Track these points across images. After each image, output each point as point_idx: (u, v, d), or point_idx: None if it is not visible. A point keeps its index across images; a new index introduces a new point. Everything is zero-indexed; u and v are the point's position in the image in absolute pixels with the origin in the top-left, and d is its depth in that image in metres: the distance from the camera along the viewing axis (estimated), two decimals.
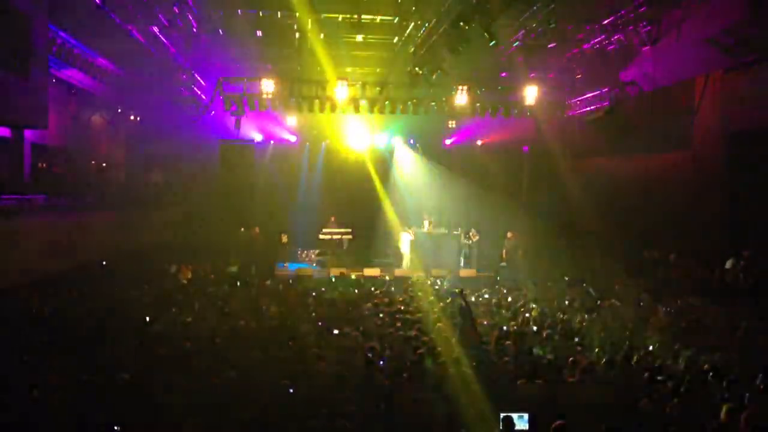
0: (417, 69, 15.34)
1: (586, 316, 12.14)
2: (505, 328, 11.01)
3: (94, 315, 11.09)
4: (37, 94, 12.06)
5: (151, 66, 16.31)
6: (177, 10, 13.83)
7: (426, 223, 20.65)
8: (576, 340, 10.38)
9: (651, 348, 9.94)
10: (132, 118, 20.22)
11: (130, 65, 17.17)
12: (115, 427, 6.47)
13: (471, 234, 20.19)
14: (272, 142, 22.23)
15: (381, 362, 8.72)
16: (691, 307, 12.63)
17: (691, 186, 16.58)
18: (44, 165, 16.68)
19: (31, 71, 11.81)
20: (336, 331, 10.47)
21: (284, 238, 20.37)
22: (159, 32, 14.50)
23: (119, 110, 19.81)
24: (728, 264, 13.85)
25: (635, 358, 9.26)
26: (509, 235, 19.69)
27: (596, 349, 9.86)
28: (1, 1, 10.63)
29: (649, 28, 14.79)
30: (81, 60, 15.13)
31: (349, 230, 21.00)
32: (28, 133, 15.53)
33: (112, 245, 16.09)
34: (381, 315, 11.66)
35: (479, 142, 22.99)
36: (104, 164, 20.71)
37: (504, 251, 19.74)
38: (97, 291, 13.31)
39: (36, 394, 7.05)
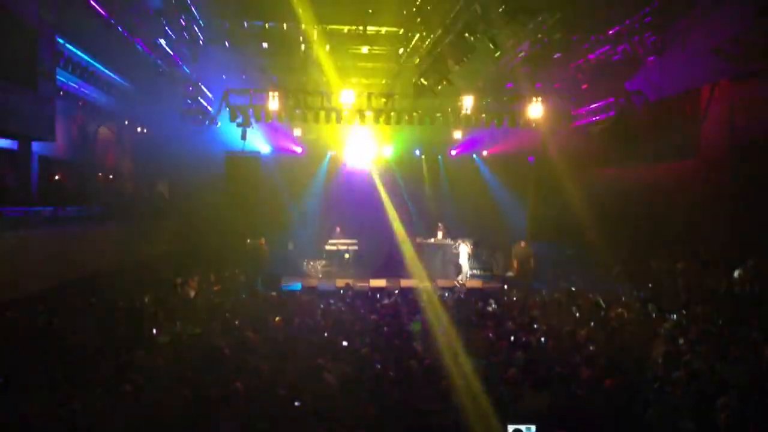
0: (422, 80, 15.36)
1: (593, 326, 12.05)
2: (512, 338, 10.94)
3: (100, 326, 11.06)
4: (44, 106, 12.15)
5: (157, 78, 16.42)
6: (183, 23, 13.93)
7: (440, 233, 20.68)
8: (584, 350, 10.30)
9: (659, 359, 9.85)
10: (138, 130, 20.34)
11: (136, 77, 17.30)
12: None
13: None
14: (278, 153, 22.28)
15: (388, 373, 8.67)
16: (698, 317, 12.53)
17: (697, 195, 16.52)
18: (51, 177, 16.75)
19: (38, 84, 11.90)
20: (345, 343, 10.42)
21: (290, 246, 20.36)
22: (165, 44, 14.60)
23: (126, 122, 19.93)
24: (736, 273, 13.76)
25: (643, 368, 9.18)
26: (522, 244, 19.53)
27: (604, 360, 9.77)
28: (8, 14, 10.71)
29: (654, 38, 14.79)
30: (88, 72, 15.25)
31: (354, 241, 20.99)
32: (35, 146, 15.62)
33: (119, 256, 16.11)
34: (386, 328, 11.59)
35: (485, 153, 23.02)
36: (111, 176, 20.82)
37: (514, 261, 19.63)
38: (103, 302, 13.29)
39: (38, 407, 7.02)
